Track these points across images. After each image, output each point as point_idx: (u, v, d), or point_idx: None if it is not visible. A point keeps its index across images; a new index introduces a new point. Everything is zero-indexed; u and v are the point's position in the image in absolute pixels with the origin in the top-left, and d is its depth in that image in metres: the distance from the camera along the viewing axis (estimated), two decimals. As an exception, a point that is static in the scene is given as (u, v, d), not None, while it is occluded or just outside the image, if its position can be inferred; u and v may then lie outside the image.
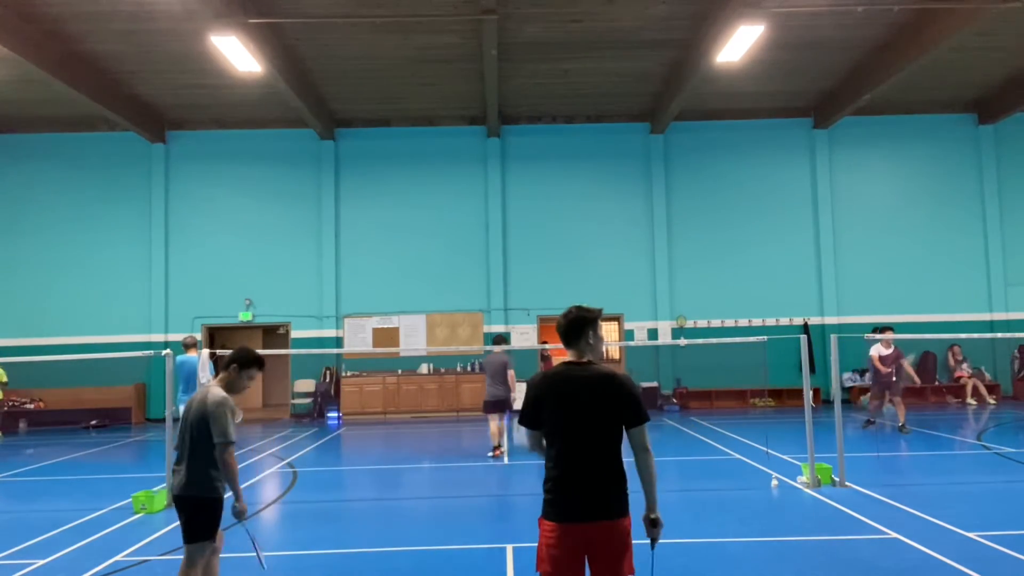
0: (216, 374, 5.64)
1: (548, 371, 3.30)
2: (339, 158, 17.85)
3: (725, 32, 12.12)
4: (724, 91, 16.22)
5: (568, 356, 3.32)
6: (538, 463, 3.38)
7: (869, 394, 12.99)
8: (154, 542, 6.30)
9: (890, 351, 12.00)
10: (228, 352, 4.60)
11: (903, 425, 11.95)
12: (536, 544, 3.22)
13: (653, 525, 3.20)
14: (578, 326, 3.28)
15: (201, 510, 4.17)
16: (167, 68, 14.53)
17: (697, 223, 17.73)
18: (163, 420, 8.32)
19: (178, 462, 4.25)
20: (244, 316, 17.40)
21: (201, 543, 4.19)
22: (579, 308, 3.34)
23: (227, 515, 4.35)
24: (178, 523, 4.30)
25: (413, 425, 15.18)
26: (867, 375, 12.80)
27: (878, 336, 12.10)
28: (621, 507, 3.14)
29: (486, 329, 17.33)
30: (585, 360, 3.27)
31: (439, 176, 17.81)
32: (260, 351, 4.56)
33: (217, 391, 4.23)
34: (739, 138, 17.90)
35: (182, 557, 4.25)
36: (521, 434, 11.50)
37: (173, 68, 14.52)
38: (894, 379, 11.98)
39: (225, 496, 4.30)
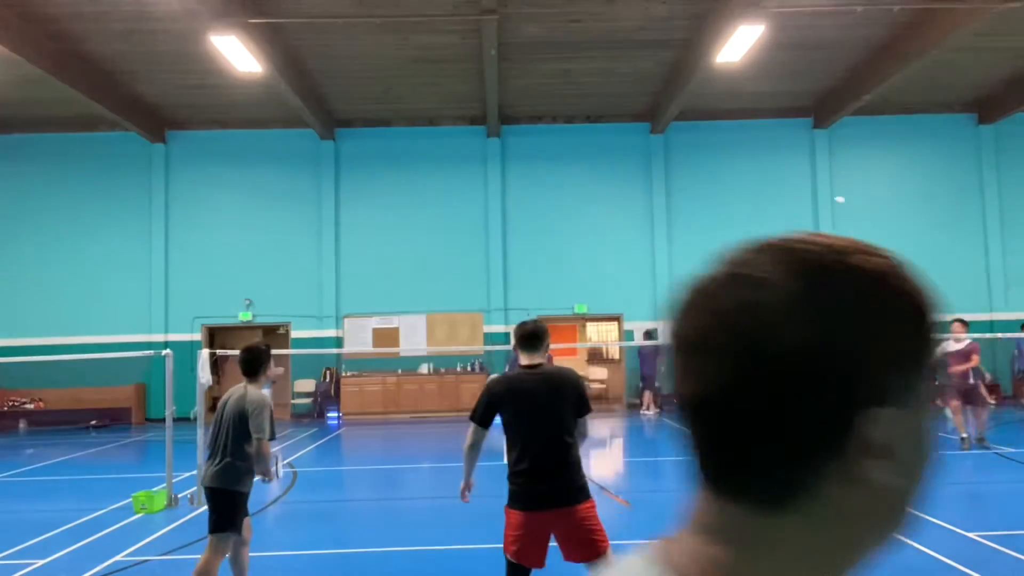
0: (216, 374, 5.93)
1: (508, 375, 3.83)
2: (339, 158, 17.84)
3: (725, 32, 12.11)
4: (724, 91, 16.21)
5: (524, 360, 3.78)
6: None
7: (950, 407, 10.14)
8: (154, 542, 6.30)
9: (961, 346, 9.75)
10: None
11: (980, 437, 10.22)
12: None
13: None
14: (540, 336, 3.78)
15: (227, 502, 4.49)
16: (167, 68, 14.53)
17: (697, 223, 17.70)
18: (163, 420, 8.33)
19: (211, 456, 4.59)
20: (244, 316, 17.40)
21: (225, 533, 4.49)
22: (537, 322, 3.87)
23: (253, 504, 4.67)
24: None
25: (413, 425, 15.18)
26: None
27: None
28: (583, 493, 3.57)
29: (486, 329, 17.31)
30: (537, 363, 3.74)
31: (439, 176, 17.80)
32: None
33: (256, 391, 4.60)
34: (739, 138, 17.88)
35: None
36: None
37: (173, 68, 14.52)
38: (971, 382, 9.83)
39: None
